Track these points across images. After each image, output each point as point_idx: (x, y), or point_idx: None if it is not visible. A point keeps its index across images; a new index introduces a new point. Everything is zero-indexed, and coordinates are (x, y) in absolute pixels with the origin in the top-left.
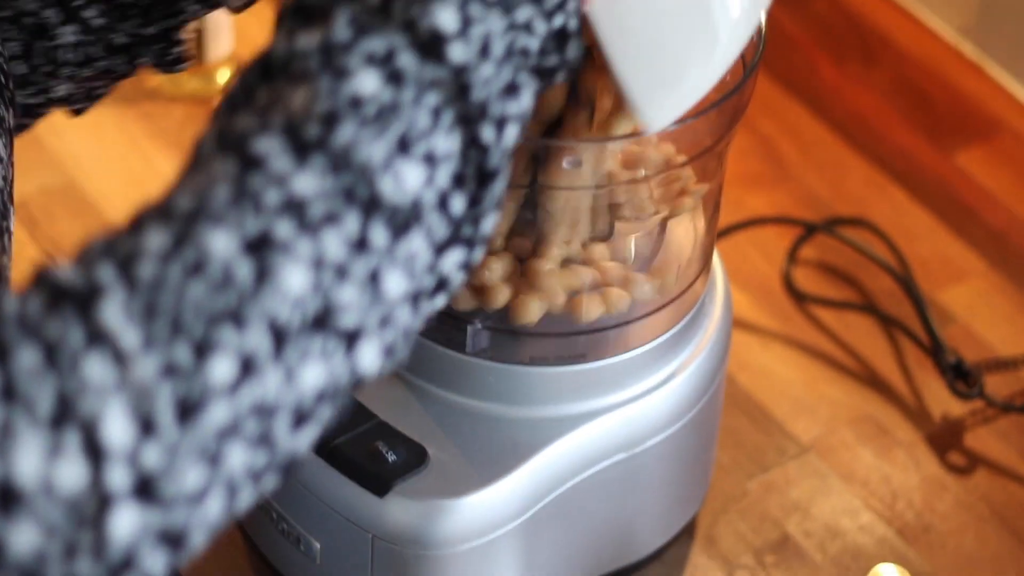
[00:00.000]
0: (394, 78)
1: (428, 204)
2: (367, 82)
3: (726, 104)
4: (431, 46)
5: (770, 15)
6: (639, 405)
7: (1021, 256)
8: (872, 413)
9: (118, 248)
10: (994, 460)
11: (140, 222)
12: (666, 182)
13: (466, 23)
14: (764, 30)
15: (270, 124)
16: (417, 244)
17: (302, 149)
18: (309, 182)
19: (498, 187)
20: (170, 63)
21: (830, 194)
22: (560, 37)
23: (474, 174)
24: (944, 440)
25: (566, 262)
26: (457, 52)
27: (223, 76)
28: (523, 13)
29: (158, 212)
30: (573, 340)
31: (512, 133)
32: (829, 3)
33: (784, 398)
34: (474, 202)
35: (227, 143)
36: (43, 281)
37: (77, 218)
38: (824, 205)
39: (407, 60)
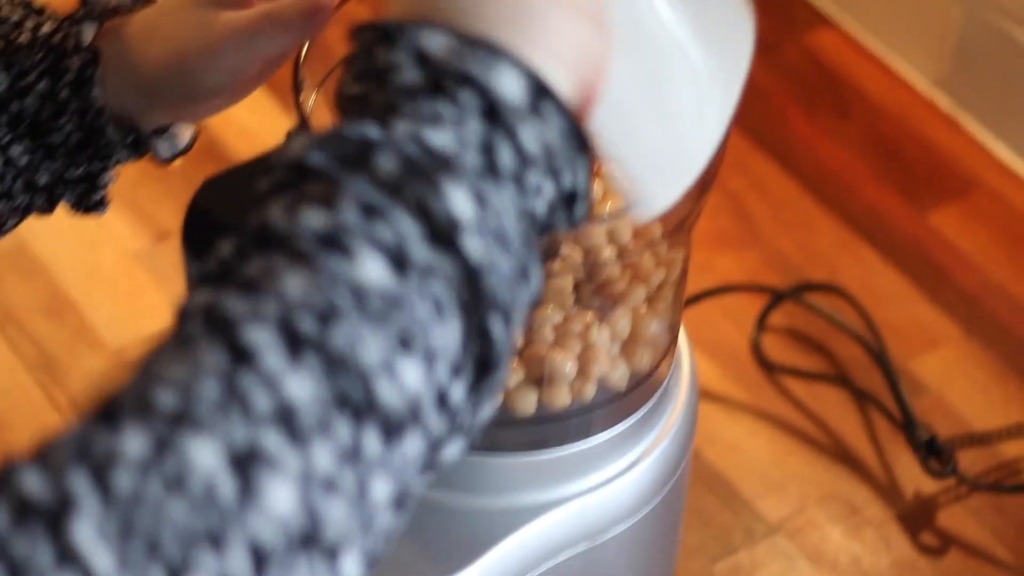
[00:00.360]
0: (400, 266)
1: (426, 403)
2: (372, 271)
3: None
4: (444, 234)
5: None
6: (602, 493)
7: (996, 322)
8: (842, 490)
9: (92, 451)
10: (968, 540)
11: (116, 417)
12: (644, 261)
13: (480, 203)
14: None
15: (263, 312)
16: (412, 447)
17: (296, 346)
18: (302, 386)
19: (501, 375)
20: (91, 207)
21: (800, 255)
22: (569, 198)
23: (475, 363)
24: (916, 519)
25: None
26: (471, 243)
27: None
28: (533, 177)
29: (138, 407)
30: (533, 428)
31: (520, 320)
32: (801, 52)
33: (752, 474)
34: (474, 390)
35: (216, 326)
36: (9, 489)
37: (27, 281)
38: (794, 267)
39: (417, 248)
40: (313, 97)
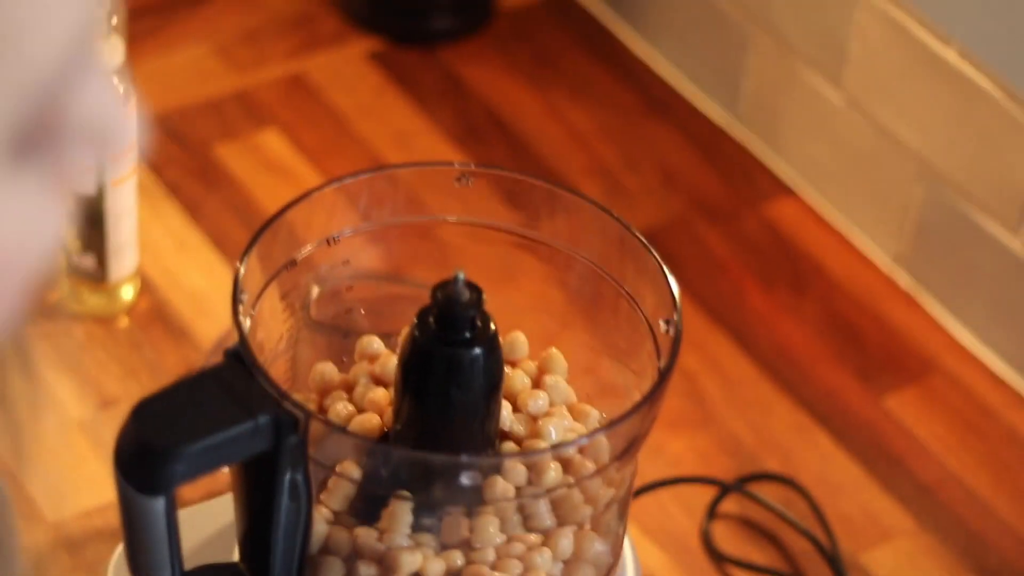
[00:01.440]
0: None
1: None
2: None
3: (647, 409)
4: None
5: (698, 235)
6: None
7: (951, 514)
8: None
9: None
10: None
11: None
12: (592, 484)
13: None
14: (680, 332)
15: None
16: None
17: None
18: None
19: None
20: None
21: (753, 440)
22: None
23: None
24: None
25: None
26: None
27: (127, 293)
28: None
29: None
30: None
31: None
32: (760, 223)
33: None
34: None
35: None
36: None
37: None
38: (747, 453)
39: None
40: (251, 313)
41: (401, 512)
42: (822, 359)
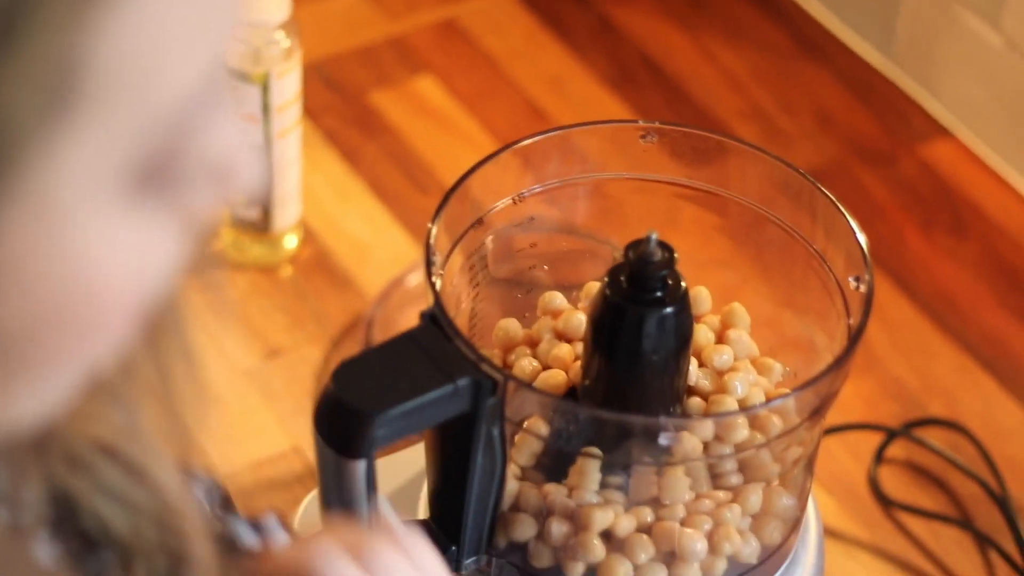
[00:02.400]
0: None
1: None
2: None
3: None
4: None
5: (856, 178)
6: None
7: None
8: None
9: None
10: None
11: None
12: (782, 446)
13: None
14: (872, 289)
15: None
16: None
17: None
18: None
19: None
20: None
21: (918, 385)
22: None
23: None
24: None
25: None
26: None
27: (290, 242)
28: None
29: None
30: None
31: None
32: (917, 165)
33: None
34: None
35: None
36: None
37: None
38: (911, 397)
39: None
40: (440, 273)
41: (590, 469)
42: (984, 302)
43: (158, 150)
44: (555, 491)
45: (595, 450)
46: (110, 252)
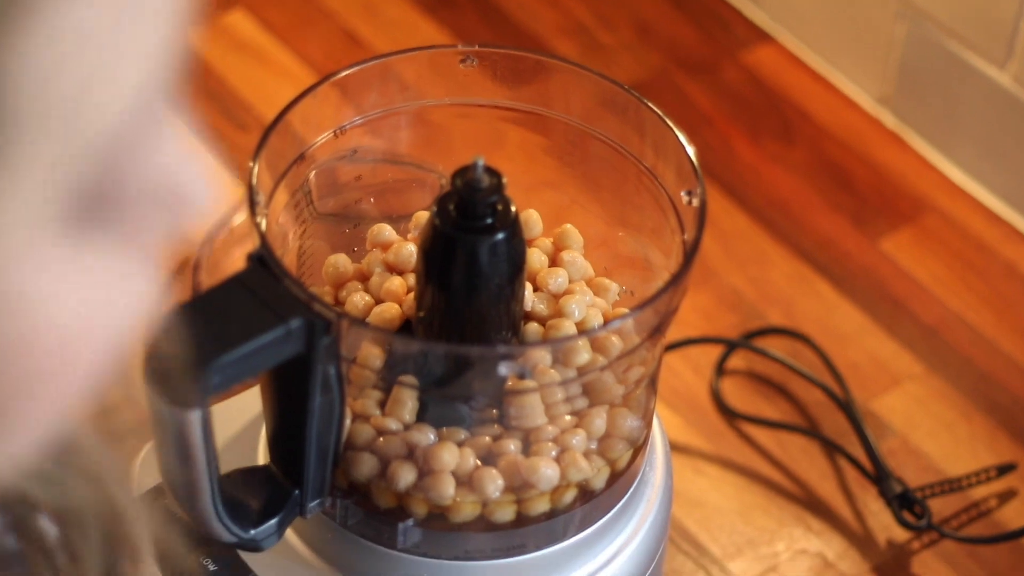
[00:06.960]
0: None
1: None
2: None
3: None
4: None
5: (680, 89)
6: None
7: (957, 355)
8: (814, 544)
9: None
10: None
11: None
12: (624, 366)
13: None
14: (705, 202)
15: None
16: None
17: None
18: None
19: None
20: None
21: (755, 294)
22: None
23: None
24: (891, 570)
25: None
26: None
27: None
28: None
29: None
30: (510, 533)
31: None
32: (741, 71)
33: (721, 532)
34: None
35: None
36: None
37: None
38: (750, 307)
39: None
40: (265, 214)
41: (405, 397)
42: (815, 207)
43: (96, 179)
44: (385, 423)
45: (410, 379)
46: (62, 295)
